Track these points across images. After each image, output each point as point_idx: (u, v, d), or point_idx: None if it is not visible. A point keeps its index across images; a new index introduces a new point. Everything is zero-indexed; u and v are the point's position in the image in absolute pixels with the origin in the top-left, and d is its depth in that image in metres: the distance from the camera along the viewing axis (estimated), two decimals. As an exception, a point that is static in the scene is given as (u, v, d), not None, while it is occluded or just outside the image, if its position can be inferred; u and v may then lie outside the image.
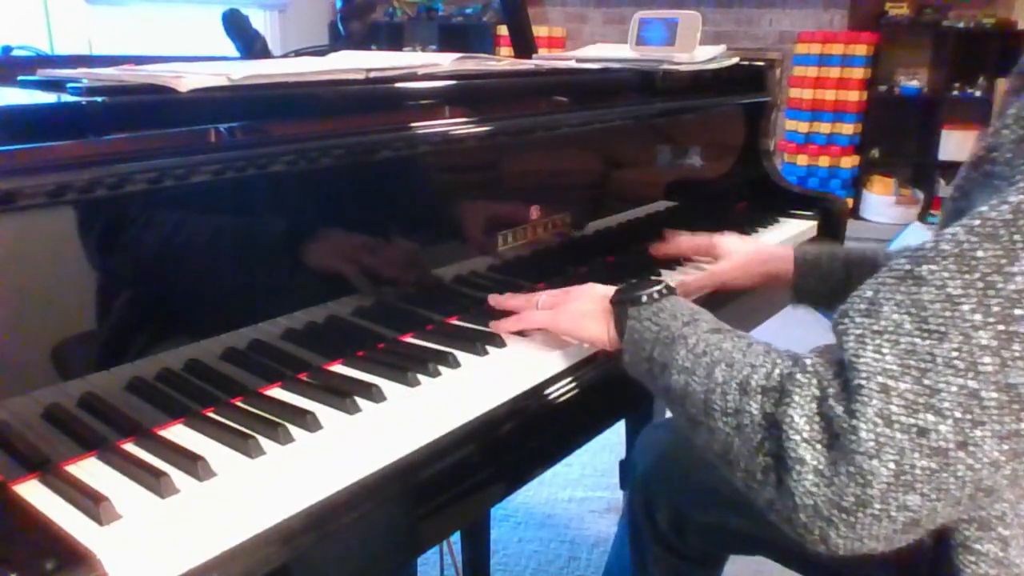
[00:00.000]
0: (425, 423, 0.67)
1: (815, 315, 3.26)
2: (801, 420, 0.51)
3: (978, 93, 4.34)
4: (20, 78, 0.77)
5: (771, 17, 4.69)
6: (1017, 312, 0.46)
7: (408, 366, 0.74)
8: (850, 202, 4.54)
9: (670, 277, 1.06)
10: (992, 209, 0.48)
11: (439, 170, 0.89)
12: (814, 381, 0.52)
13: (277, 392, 0.72)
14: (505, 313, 0.86)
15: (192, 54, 1.12)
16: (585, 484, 2.03)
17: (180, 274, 0.67)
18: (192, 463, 0.58)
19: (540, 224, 1.00)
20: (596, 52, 1.34)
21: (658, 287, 0.74)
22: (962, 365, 0.46)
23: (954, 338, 0.47)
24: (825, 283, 0.95)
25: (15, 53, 1.37)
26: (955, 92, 4.41)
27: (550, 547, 1.78)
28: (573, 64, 1.26)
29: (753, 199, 1.47)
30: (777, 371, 0.55)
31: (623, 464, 1.78)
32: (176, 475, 0.57)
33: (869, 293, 0.51)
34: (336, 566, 0.61)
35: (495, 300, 0.88)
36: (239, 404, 0.69)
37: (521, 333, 0.84)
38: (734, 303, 1.06)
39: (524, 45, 1.59)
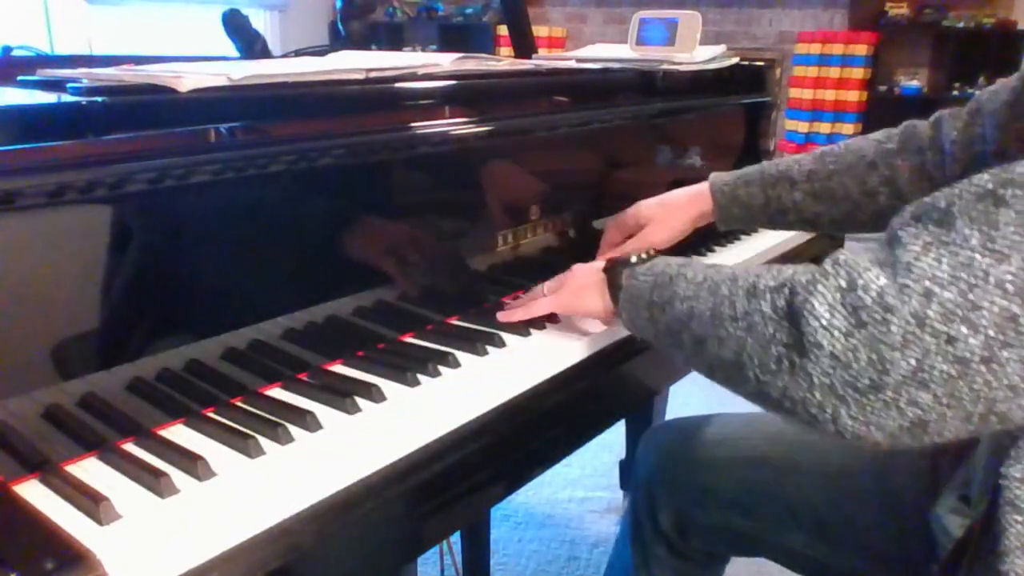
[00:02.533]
0: (425, 423, 0.67)
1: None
2: (822, 308, 0.53)
3: (978, 93, 4.34)
4: (20, 78, 0.77)
5: (771, 17, 4.69)
6: None
7: (408, 366, 0.74)
8: (850, 202, 4.54)
9: None
10: None
11: (439, 170, 0.89)
12: (842, 272, 0.53)
13: (277, 392, 0.72)
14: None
15: (192, 54, 1.12)
16: (585, 484, 2.03)
17: (180, 274, 0.67)
18: (192, 463, 0.58)
19: (540, 224, 1.00)
20: (596, 52, 1.34)
21: (645, 250, 0.80)
22: (1012, 289, 0.47)
23: (1014, 262, 0.47)
24: (747, 209, 0.98)
25: (15, 53, 1.37)
26: (955, 92, 4.41)
27: (550, 547, 1.78)
28: (573, 64, 1.26)
29: (753, 199, 1.47)
30: (788, 271, 0.58)
31: (623, 464, 1.78)
32: (176, 475, 0.57)
33: (943, 204, 0.52)
34: (336, 566, 0.61)
35: (504, 316, 0.87)
36: (239, 404, 0.69)
37: (533, 323, 0.86)
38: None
39: (524, 45, 1.59)
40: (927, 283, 0.49)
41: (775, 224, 1.00)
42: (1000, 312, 0.47)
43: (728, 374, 0.62)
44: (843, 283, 0.53)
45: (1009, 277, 0.47)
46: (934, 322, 0.48)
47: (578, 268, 0.86)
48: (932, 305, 0.48)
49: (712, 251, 1.20)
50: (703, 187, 1.01)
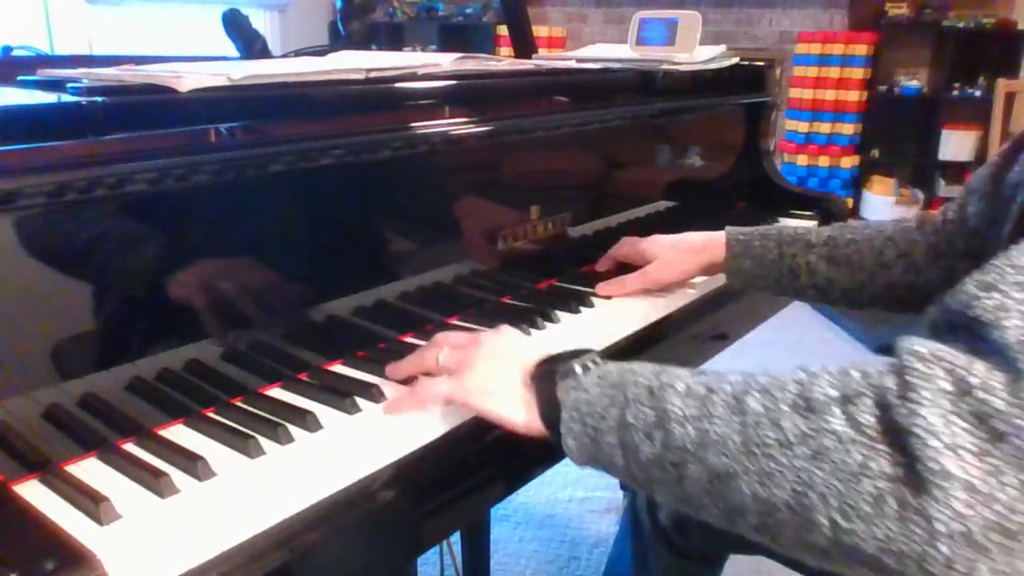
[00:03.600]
0: (425, 422, 0.67)
1: (815, 315, 3.24)
2: (938, 421, 0.40)
3: (978, 93, 4.34)
4: (20, 78, 0.77)
5: (771, 17, 4.69)
6: None
7: (408, 366, 0.74)
8: (850, 202, 4.55)
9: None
10: None
11: (439, 170, 0.89)
12: (939, 371, 0.42)
13: (277, 392, 0.72)
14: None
15: (192, 54, 1.12)
16: (585, 484, 2.03)
17: (180, 274, 0.67)
18: (192, 463, 0.58)
19: (540, 224, 1.00)
20: (596, 52, 1.34)
21: (589, 355, 0.61)
22: None
23: None
24: (759, 263, 0.93)
25: (15, 53, 1.37)
26: (955, 92, 4.42)
27: (550, 547, 1.78)
28: (573, 64, 1.26)
29: (753, 199, 1.47)
30: (856, 373, 0.45)
31: (623, 464, 1.78)
32: (176, 475, 0.57)
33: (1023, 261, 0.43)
34: (336, 566, 0.61)
35: (392, 371, 0.73)
36: (239, 404, 0.69)
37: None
38: (734, 303, 1.06)
39: (524, 45, 1.59)
40: None
41: (782, 286, 0.94)
42: None
43: (775, 520, 0.47)
44: (948, 386, 0.41)
45: None
46: None
47: (490, 349, 0.66)
48: None
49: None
50: (719, 234, 0.97)
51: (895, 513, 0.41)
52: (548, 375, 0.61)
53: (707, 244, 0.97)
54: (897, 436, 0.42)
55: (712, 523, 0.51)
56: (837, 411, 0.44)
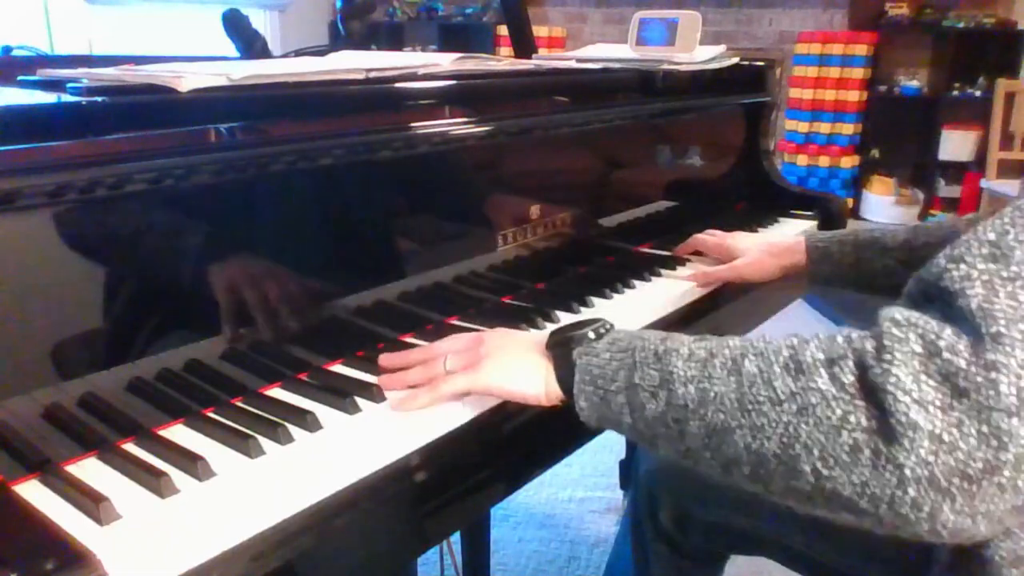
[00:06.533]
0: (425, 423, 0.67)
1: (815, 315, 3.24)
2: (908, 379, 0.45)
3: (978, 93, 4.34)
4: (20, 78, 0.77)
5: (771, 17, 4.69)
6: None
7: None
8: (850, 202, 4.55)
9: (675, 275, 1.07)
10: None
11: (439, 170, 0.89)
12: (911, 336, 0.46)
13: (277, 392, 0.72)
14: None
15: (192, 54, 1.12)
16: (585, 484, 2.02)
17: (180, 274, 0.67)
18: (192, 463, 0.58)
19: (540, 224, 1.00)
20: (596, 52, 1.34)
21: (599, 323, 0.65)
22: None
23: None
24: (837, 268, 1.00)
25: (15, 53, 1.37)
26: (955, 92, 4.42)
27: (550, 547, 1.78)
28: (573, 64, 1.26)
29: (753, 199, 1.47)
30: (840, 339, 0.50)
31: (623, 464, 1.78)
32: (176, 475, 0.57)
33: (991, 236, 0.47)
34: (336, 566, 0.61)
35: (386, 360, 0.74)
36: (239, 404, 0.69)
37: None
38: (734, 303, 1.06)
39: (524, 45, 1.59)
40: (1021, 325, 0.43)
41: (859, 286, 1.01)
42: None
43: (765, 470, 0.51)
44: (918, 348, 0.45)
45: None
46: None
47: (495, 339, 0.71)
48: None
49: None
50: (799, 240, 1.04)
51: (869, 461, 0.46)
52: (564, 342, 0.65)
53: (789, 249, 1.04)
54: (873, 393, 0.46)
55: (710, 475, 0.56)
56: (823, 372, 0.49)
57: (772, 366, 0.51)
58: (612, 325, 0.66)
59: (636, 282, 1.03)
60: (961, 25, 4.36)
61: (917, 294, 0.51)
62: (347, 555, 0.61)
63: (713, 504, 0.94)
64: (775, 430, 0.50)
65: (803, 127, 4.61)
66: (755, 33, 4.72)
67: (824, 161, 4.59)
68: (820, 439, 0.48)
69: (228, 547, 0.52)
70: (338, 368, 0.77)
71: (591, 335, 0.64)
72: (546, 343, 0.67)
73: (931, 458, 0.44)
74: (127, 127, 0.62)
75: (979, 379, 0.43)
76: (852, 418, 0.47)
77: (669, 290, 1.02)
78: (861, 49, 4.42)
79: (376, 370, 0.75)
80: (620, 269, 1.07)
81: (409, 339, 0.84)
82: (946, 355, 0.44)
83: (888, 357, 0.46)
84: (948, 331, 0.45)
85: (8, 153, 0.54)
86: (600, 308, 0.94)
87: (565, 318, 0.90)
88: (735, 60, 1.34)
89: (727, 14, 4.71)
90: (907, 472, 0.45)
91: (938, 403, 0.44)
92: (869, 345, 0.48)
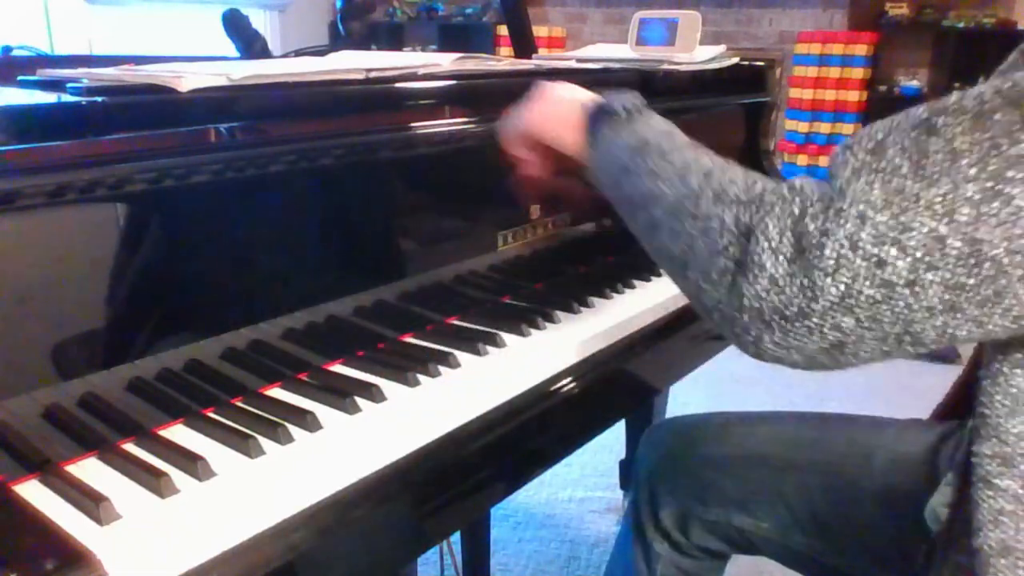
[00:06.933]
0: (425, 423, 0.67)
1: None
2: (774, 231, 0.53)
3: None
4: (20, 78, 0.77)
5: (771, 17, 4.69)
6: (1009, 174, 0.47)
7: (408, 366, 0.74)
8: (850, 202, 4.54)
9: (647, 288, 1.05)
10: None
11: (439, 170, 0.89)
12: (797, 200, 0.53)
13: (277, 392, 0.72)
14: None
15: (192, 54, 1.12)
16: (585, 484, 2.03)
17: (180, 274, 0.67)
18: (192, 463, 0.58)
19: (540, 224, 1.00)
20: (596, 52, 1.34)
21: (635, 101, 0.75)
22: (940, 210, 0.48)
23: (943, 185, 0.48)
24: None
25: (15, 53, 1.37)
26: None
27: (550, 547, 1.78)
28: (573, 64, 1.26)
29: (753, 199, 1.47)
30: (759, 186, 0.58)
31: (623, 464, 1.78)
32: (176, 475, 0.57)
33: (880, 135, 0.53)
34: (336, 566, 0.61)
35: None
36: (239, 404, 0.69)
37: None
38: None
39: (524, 45, 1.59)
40: (861, 206, 0.50)
41: None
42: (928, 233, 0.48)
43: (671, 267, 0.63)
44: (796, 210, 0.53)
45: (938, 200, 0.48)
46: (866, 244, 0.49)
47: (556, 88, 0.83)
48: (866, 227, 0.49)
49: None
50: None
51: (727, 285, 0.56)
52: (601, 117, 0.74)
53: None
54: (749, 235, 0.55)
55: (652, 258, 0.66)
56: (733, 208, 0.57)
57: (707, 189, 0.60)
58: (643, 106, 0.75)
59: (636, 282, 1.03)
60: (961, 25, 4.36)
61: (829, 175, 0.57)
62: (347, 555, 0.61)
63: (714, 504, 0.94)
64: (681, 238, 0.60)
65: (803, 127, 4.62)
66: (755, 33, 4.73)
67: (824, 161, 4.58)
68: (705, 257, 0.58)
69: (228, 547, 0.52)
70: (338, 368, 0.77)
71: (623, 113, 0.73)
72: (587, 109, 0.76)
73: (764, 294, 0.53)
74: (127, 127, 0.62)
75: (814, 241, 0.51)
76: (731, 249, 0.56)
77: (669, 290, 1.02)
78: (861, 49, 4.43)
79: (376, 370, 0.75)
80: (620, 269, 1.07)
81: (409, 339, 0.84)
82: (806, 220, 0.52)
83: (770, 210, 0.54)
84: (817, 202, 0.52)
85: (8, 153, 0.54)
86: (600, 308, 0.94)
87: (565, 318, 0.90)
88: (735, 60, 1.33)
89: (727, 14, 4.71)
90: (744, 302, 0.54)
91: (786, 254, 0.52)
92: (768, 198, 0.55)
